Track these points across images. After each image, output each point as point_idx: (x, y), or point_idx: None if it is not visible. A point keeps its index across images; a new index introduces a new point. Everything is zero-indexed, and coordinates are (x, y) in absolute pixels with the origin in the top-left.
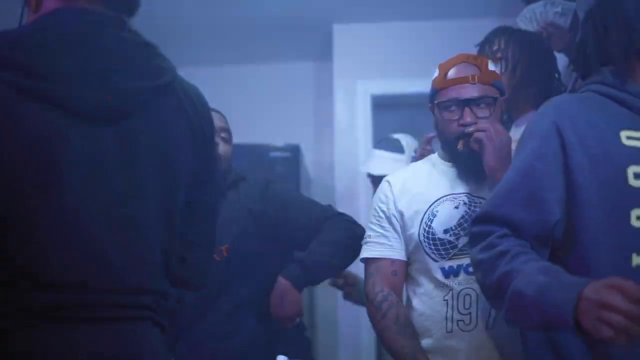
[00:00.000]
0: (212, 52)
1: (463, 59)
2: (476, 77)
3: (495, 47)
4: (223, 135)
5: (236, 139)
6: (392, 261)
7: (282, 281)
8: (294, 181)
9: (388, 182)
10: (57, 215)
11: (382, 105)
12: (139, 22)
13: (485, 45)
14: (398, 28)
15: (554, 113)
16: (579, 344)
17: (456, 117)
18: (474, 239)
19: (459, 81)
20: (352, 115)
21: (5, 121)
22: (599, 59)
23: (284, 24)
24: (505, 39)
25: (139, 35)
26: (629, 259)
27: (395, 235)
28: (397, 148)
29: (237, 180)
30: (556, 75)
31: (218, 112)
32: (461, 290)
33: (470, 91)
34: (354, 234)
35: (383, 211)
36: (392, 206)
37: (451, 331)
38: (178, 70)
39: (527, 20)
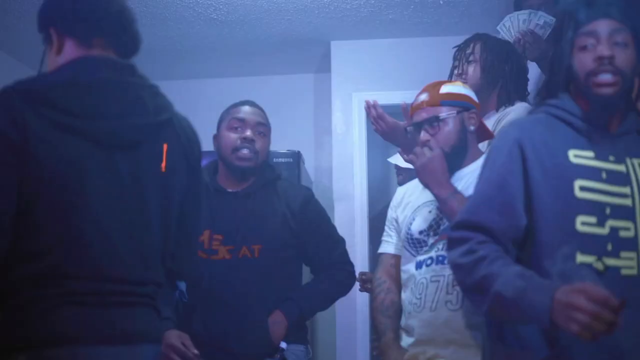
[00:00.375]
0: (221, 65)
1: (423, 89)
2: (424, 103)
3: (468, 51)
4: (261, 129)
5: None
6: (392, 255)
7: (279, 314)
8: (295, 181)
9: (397, 192)
10: (83, 222)
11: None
12: (156, 41)
13: (461, 49)
14: (390, 45)
15: (516, 133)
16: (539, 336)
17: (418, 138)
18: (453, 244)
19: (414, 108)
20: (349, 124)
21: (44, 147)
22: (552, 88)
23: (286, 40)
24: (480, 45)
25: (146, 78)
26: (574, 256)
27: (395, 235)
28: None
29: (275, 178)
30: (525, 80)
31: (258, 107)
32: (419, 279)
33: (421, 115)
34: (343, 289)
35: (390, 215)
36: (393, 212)
37: (410, 312)
38: (191, 81)
39: (505, 29)
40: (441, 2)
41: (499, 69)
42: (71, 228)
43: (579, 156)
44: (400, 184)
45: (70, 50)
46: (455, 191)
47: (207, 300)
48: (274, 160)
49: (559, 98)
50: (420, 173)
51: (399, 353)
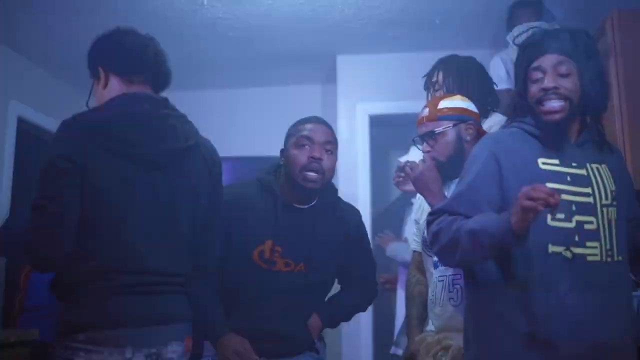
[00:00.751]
0: (236, 77)
1: (426, 104)
2: (424, 118)
3: (434, 79)
4: (328, 147)
5: (255, 152)
6: (419, 253)
7: (316, 317)
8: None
9: (417, 196)
10: (128, 228)
11: (378, 124)
12: (177, 56)
13: (428, 78)
14: (392, 59)
15: (491, 145)
16: (520, 314)
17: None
18: (429, 224)
19: (418, 122)
20: (353, 132)
21: (98, 168)
22: (519, 111)
23: (296, 55)
24: (442, 71)
25: (176, 109)
26: (546, 247)
27: (419, 235)
28: None
29: (337, 199)
30: (490, 89)
31: (326, 124)
32: (434, 278)
33: (423, 129)
34: (367, 305)
35: (414, 218)
36: (415, 215)
37: (429, 306)
38: (208, 91)
39: (511, 41)
40: (437, 22)
41: (461, 89)
42: (120, 233)
43: (546, 163)
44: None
45: (115, 85)
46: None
47: (254, 301)
48: None
49: (526, 117)
50: (415, 184)
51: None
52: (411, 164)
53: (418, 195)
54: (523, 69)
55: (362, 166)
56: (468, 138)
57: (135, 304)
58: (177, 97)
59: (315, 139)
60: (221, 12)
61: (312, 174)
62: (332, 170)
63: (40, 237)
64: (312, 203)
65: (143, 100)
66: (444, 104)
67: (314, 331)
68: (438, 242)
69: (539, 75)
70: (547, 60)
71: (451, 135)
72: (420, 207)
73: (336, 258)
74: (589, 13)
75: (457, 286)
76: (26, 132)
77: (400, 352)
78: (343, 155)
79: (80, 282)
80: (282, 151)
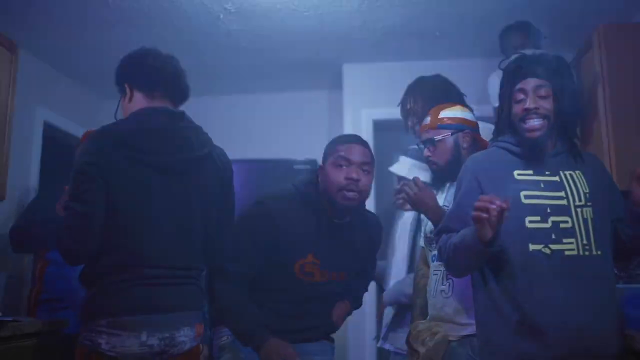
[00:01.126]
0: (249, 84)
1: (429, 112)
2: (426, 126)
3: (408, 107)
4: (365, 167)
5: (267, 155)
6: (423, 248)
7: (347, 304)
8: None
9: None
10: (148, 227)
11: (382, 129)
12: (195, 64)
13: (402, 106)
14: (394, 67)
15: (471, 166)
16: (511, 306)
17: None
18: (437, 241)
19: (422, 128)
20: (358, 135)
21: (121, 174)
22: (501, 129)
23: (304, 63)
24: (412, 97)
25: (192, 122)
26: (528, 246)
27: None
28: (419, 157)
29: (365, 210)
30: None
31: (364, 144)
32: (432, 270)
33: (424, 135)
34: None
35: (421, 217)
36: (420, 216)
37: (428, 297)
38: (224, 97)
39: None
40: (437, 34)
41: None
42: (139, 232)
43: (521, 174)
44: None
45: (138, 100)
46: (444, 214)
47: (288, 304)
48: (294, 167)
49: (506, 135)
50: (414, 205)
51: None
52: (408, 184)
53: None
54: (507, 91)
55: None
56: (465, 145)
57: (151, 294)
58: (196, 102)
59: (352, 159)
60: (236, 25)
61: (350, 194)
62: (369, 188)
63: (69, 234)
64: (348, 218)
65: (161, 114)
66: (444, 114)
67: (343, 317)
68: (443, 259)
69: (521, 96)
70: (529, 84)
71: (449, 142)
72: None
73: (363, 265)
74: (576, 28)
75: (450, 280)
76: (52, 137)
77: (387, 346)
78: None
79: (104, 274)
80: (320, 167)
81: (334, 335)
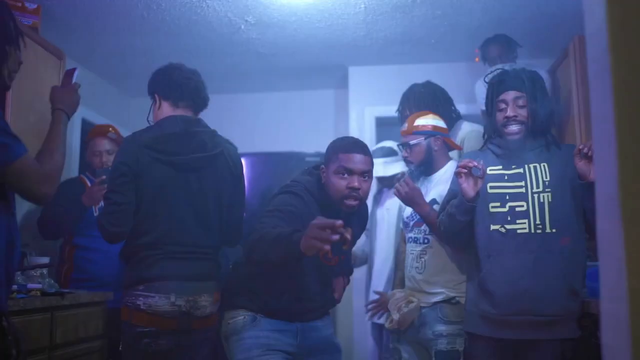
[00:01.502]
0: (264, 84)
1: (407, 119)
2: (403, 132)
3: (406, 114)
4: (365, 176)
5: (280, 148)
6: (402, 230)
7: (345, 280)
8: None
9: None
10: (170, 213)
11: (383, 125)
12: (219, 68)
13: (399, 112)
14: (394, 69)
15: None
16: (477, 273)
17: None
18: (441, 223)
19: (401, 133)
20: (362, 131)
21: (147, 171)
22: (488, 133)
23: (314, 66)
24: (407, 104)
25: (207, 127)
26: (489, 227)
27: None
28: (388, 153)
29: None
30: (445, 106)
31: (364, 152)
32: (408, 250)
33: (402, 139)
34: None
35: (401, 207)
36: (400, 206)
37: (405, 272)
38: (240, 95)
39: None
40: (432, 41)
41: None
42: (165, 217)
43: (492, 169)
44: (385, 187)
45: (166, 108)
46: (431, 209)
47: (298, 277)
48: (306, 159)
49: (494, 139)
50: (405, 201)
51: (398, 292)
52: (401, 184)
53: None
54: (491, 101)
55: None
56: (436, 148)
57: (176, 266)
58: (218, 99)
59: (354, 169)
60: (254, 34)
61: (351, 202)
62: (368, 192)
63: (107, 218)
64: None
65: (181, 121)
66: (418, 122)
67: (342, 291)
68: (445, 230)
69: (503, 106)
70: (509, 95)
71: (423, 145)
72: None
73: (357, 239)
74: (554, 40)
75: (422, 259)
76: (87, 131)
77: (379, 321)
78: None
79: (139, 251)
80: (322, 169)
81: (340, 320)
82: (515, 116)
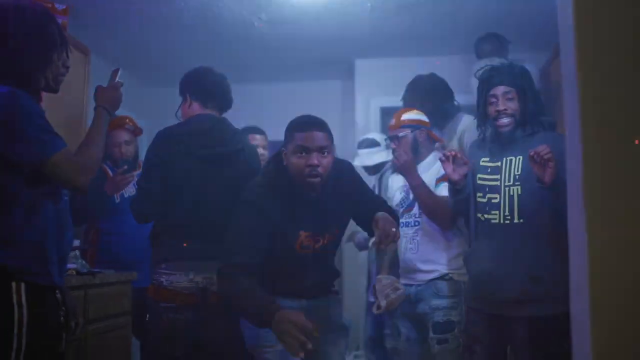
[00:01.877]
0: (276, 75)
1: (394, 114)
2: (391, 126)
3: (411, 102)
4: (324, 151)
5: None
6: None
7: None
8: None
9: (391, 179)
10: (191, 200)
11: (388, 114)
12: (237, 61)
13: (404, 99)
14: (399, 62)
15: (469, 153)
16: (472, 264)
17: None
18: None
19: (389, 127)
20: (367, 121)
21: (175, 163)
22: (480, 125)
23: (323, 58)
24: (412, 93)
25: (231, 125)
26: (476, 214)
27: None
28: (372, 144)
29: (334, 176)
30: (445, 98)
31: (320, 127)
32: (402, 234)
33: (391, 132)
34: None
35: (396, 188)
36: (391, 192)
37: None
38: (257, 86)
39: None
40: (435, 36)
41: (422, 105)
42: (187, 203)
43: (483, 161)
44: (370, 174)
45: (195, 107)
46: (423, 183)
47: (295, 275)
48: None
49: (486, 131)
50: (400, 167)
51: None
52: (403, 150)
53: (392, 178)
54: (483, 95)
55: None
56: (421, 140)
57: (195, 247)
58: (234, 89)
59: (310, 147)
60: (267, 30)
61: (312, 179)
62: (329, 166)
63: (137, 203)
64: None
65: (207, 120)
66: (405, 116)
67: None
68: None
69: (493, 100)
70: (499, 90)
71: (409, 138)
72: (391, 185)
73: (356, 205)
74: (544, 38)
75: (415, 240)
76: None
77: (372, 299)
78: (359, 138)
79: (163, 233)
80: (283, 152)
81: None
82: (505, 109)
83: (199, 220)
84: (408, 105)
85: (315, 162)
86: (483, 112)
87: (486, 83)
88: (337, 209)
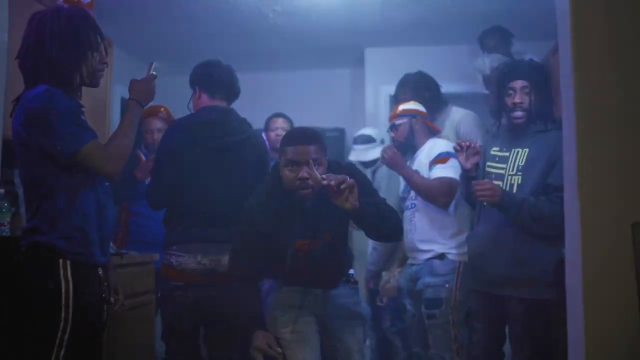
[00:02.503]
0: (289, 63)
1: (394, 106)
2: (391, 116)
3: (403, 97)
4: (315, 162)
5: (300, 123)
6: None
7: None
8: (341, 150)
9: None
10: (201, 187)
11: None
12: (250, 50)
13: (396, 96)
14: (408, 50)
15: (483, 142)
16: (469, 244)
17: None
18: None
19: (389, 117)
20: (377, 108)
21: (186, 152)
22: (496, 116)
23: (334, 47)
24: (402, 89)
25: (238, 115)
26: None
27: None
28: (367, 140)
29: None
30: (434, 92)
31: (309, 139)
32: (404, 217)
33: (390, 121)
34: None
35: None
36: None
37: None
38: (270, 74)
39: (477, 70)
40: (443, 26)
41: (414, 98)
42: (197, 190)
43: (494, 150)
44: (365, 167)
45: (204, 99)
46: (412, 171)
47: (298, 264)
48: (326, 134)
49: (500, 121)
50: (388, 164)
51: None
52: (386, 150)
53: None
54: (501, 88)
55: (385, 134)
56: (417, 127)
57: (203, 231)
58: (243, 78)
59: (300, 160)
60: (281, 21)
61: (304, 191)
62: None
63: (150, 191)
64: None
65: (215, 111)
66: (402, 107)
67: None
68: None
69: (511, 92)
70: (518, 84)
71: (407, 126)
72: (396, 176)
73: (346, 213)
74: (548, 32)
75: (413, 221)
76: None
77: (372, 285)
78: (369, 124)
79: (174, 218)
80: (280, 165)
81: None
82: (522, 102)
83: (207, 206)
84: (398, 101)
85: (305, 175)
86: (499, 104)
87: (507, 76)
88: (335, 212)
